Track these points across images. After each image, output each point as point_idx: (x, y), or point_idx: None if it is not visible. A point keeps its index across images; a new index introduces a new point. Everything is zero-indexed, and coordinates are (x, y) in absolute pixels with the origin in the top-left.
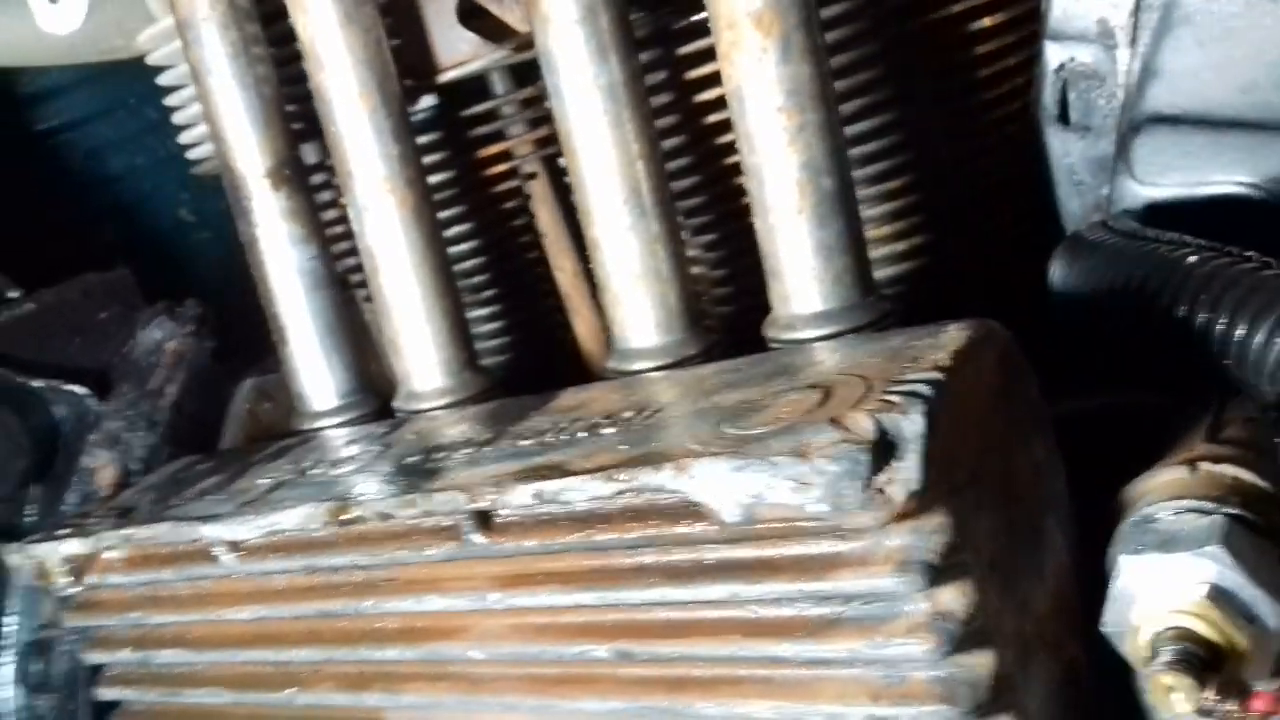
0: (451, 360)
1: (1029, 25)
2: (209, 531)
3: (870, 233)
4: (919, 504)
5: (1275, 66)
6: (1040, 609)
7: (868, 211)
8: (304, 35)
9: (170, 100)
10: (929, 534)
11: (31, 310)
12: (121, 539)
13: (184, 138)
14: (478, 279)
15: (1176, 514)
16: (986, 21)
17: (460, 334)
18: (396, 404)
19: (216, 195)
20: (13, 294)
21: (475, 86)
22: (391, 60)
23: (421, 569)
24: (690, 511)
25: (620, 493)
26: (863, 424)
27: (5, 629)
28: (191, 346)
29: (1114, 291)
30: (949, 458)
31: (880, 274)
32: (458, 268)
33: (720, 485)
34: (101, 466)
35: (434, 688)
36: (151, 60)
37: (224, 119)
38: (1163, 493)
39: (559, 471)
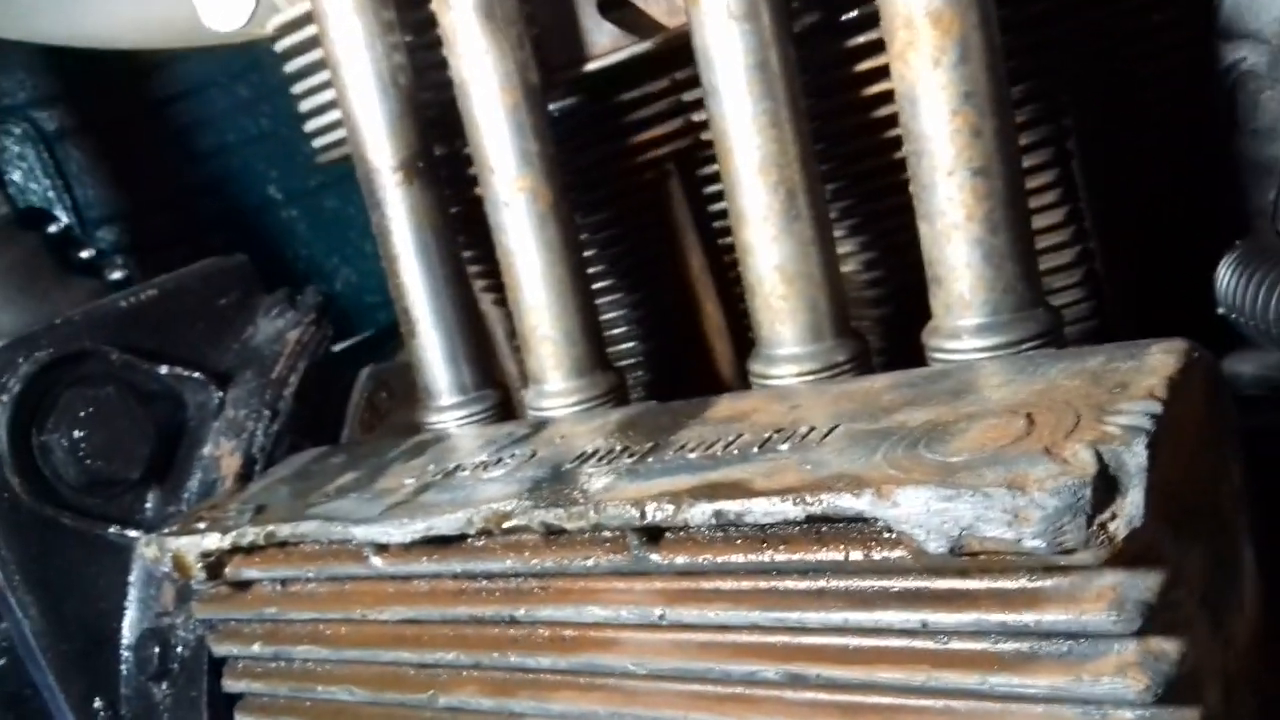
0: (584, 359)
1: (1197, 23)
2: (360, 532)
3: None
4: (1142, 540)
5: None
6: (1242, 643)
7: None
8: (446, 26)
9: (297, 88)
10: (1147, 572)
11: (154, 296)
12: (264, 535)
13: (309, 126)
14: (606, 270)
15: None
16: (1155, 17)
17: (592, 333)
18: (528, 401)
19: (304, 173)
20: (117, 275)
21: (613, 78)
22: (532, 55)
23: (580, 579)
24: (882, 538)
25: (811, 517)
26: (1082, 456)
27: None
28: (313, 335)
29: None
30: (1166, 491)
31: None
32: (588, 255)
33: (927, 514)
34: (225, 454)
35: (585, 698)
36: (279, 47)
37: (357, 110)
38: None
39: (741, 490)
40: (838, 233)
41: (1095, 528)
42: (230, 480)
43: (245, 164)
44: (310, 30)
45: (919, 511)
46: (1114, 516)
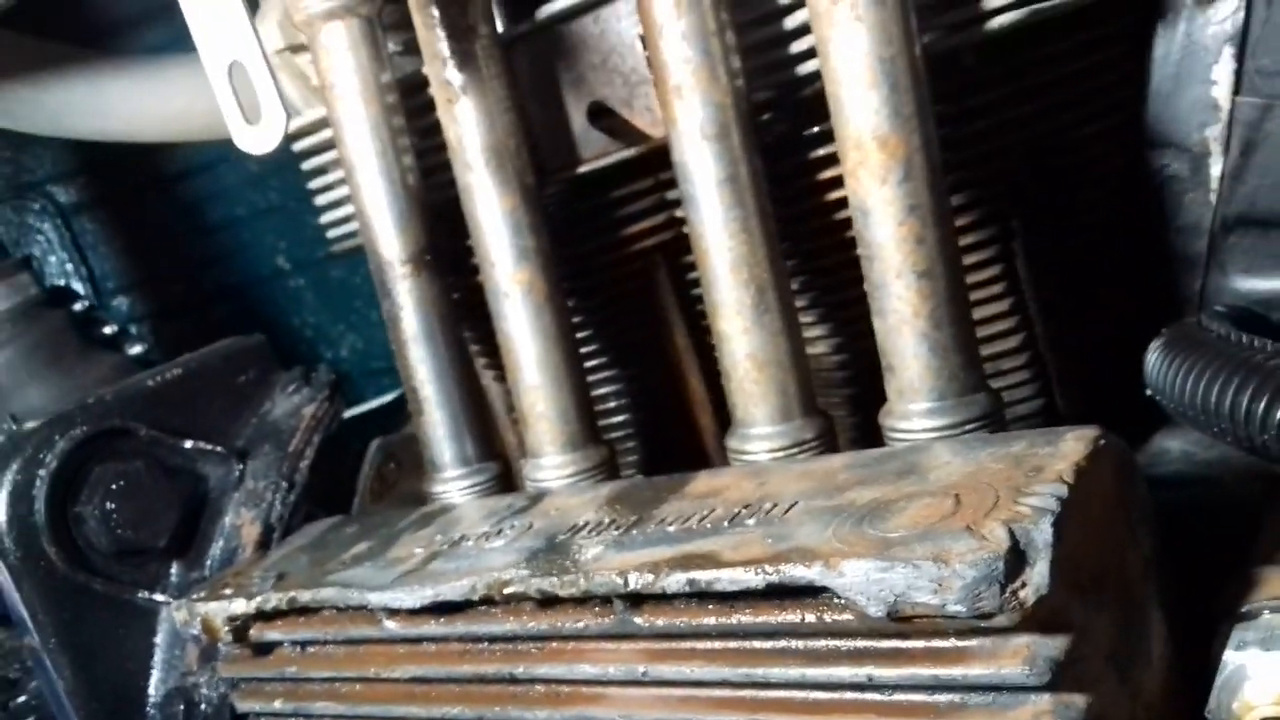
0: (577, 435)
1: (1126, 135)
2: (375, 599)
3: (984, 330)
4: (1049, 605)
5: None
6: (1151, 694)
7: (982, 311)
8: (451, 138)
9: (314, 184)
10: (1055, 632)
11: (178, 375)
12: (287, 601)
13: (325, 218)
14: (601, 350)
15: (1273, 612)
16: (1087, 130)
17: (585, 410)
18: (526, 473)
19: (310, 245)
20: (137, 349)
21: (603, 178)
22: (529, 161)
23: (572, 640)
24: (832, 603)
25: (770, 585)
26: (998, 533)
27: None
28: (326, 411)
29: (1202, 387)
30: (1073, 563)
31: (995, 366)
32: (580, 336)
33: (867, 583)
34: (246, 523)
35: None
36: (297, 147)
37: (370, 209)
38: (1264, 591)
39: (711, 561)
40: (808, 319)
41: (1008, 595)
42: (250, 548)
43: (255, 235)
44: (326, 133)
45: (861, 581)
46: (1024, 585)
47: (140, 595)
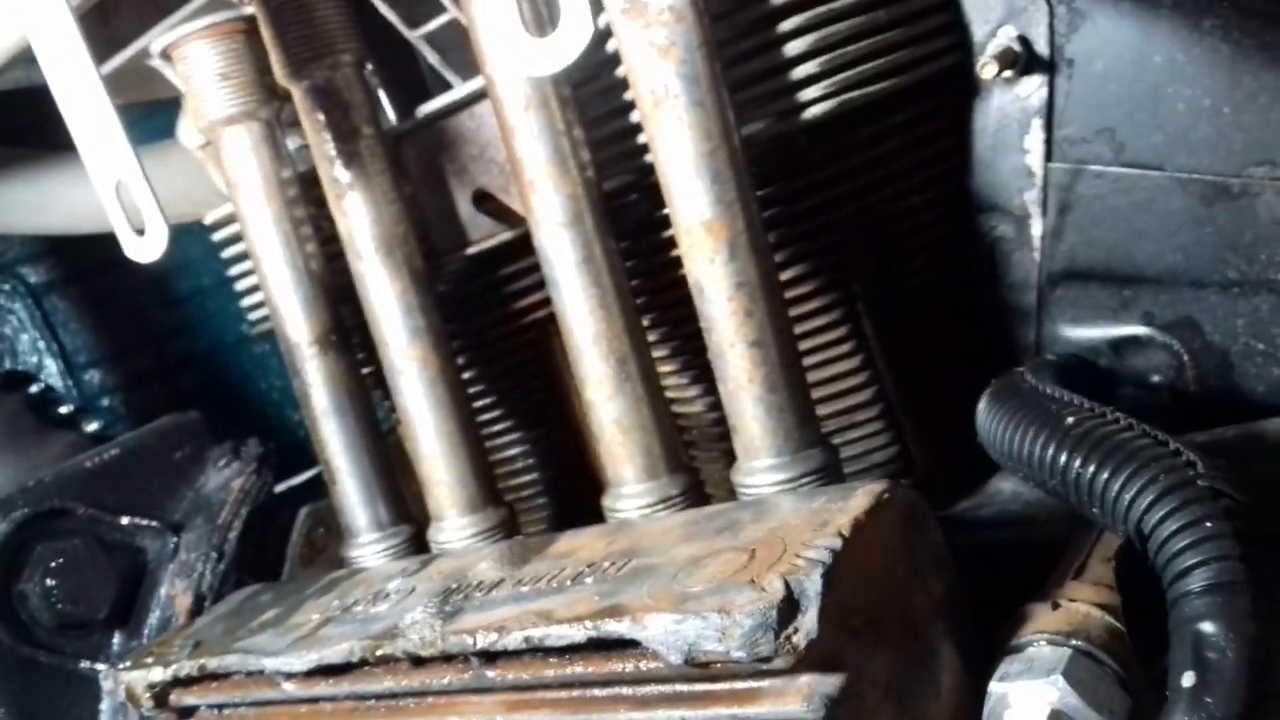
0: (475, 498)
1: (954, 202)
2: (269, 663)
3: (823, 391)
4: (822, 648)
5: (1142, 235)
6: None
7: (834, 369)
8: (342, 229)
9: (231, 271)
10: (833, 671)
11: (116, 455)
12: (197, 668)
13: (244, 302)
14: (503, 415)
15: (1036, 646)
16: (915, 199)
17: (482, 475)
18: (430, 535)
19: None
20: (93, 426)
21: (494, 256)
22: (417, 247)
23: (442, 696)
24: (647, 653)
25: (590, 639)
26: (775, 584)
27: None
28: (254, 483)
29: (1016, 438)
30: (847, 607)
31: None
32: (483, 404)
33: (666, 635)
34: (179, 594)
35: None
36: (215, 238)
37: (276, 295)
38: (1030, 626)
39: (546, 619)
40: (684, 381)
41: (782, 640)
42: (183, 617)
43: (219, 304)
44: (237, 226)
45: (661, 633)
46: (796, 631)
47: (84, 665)
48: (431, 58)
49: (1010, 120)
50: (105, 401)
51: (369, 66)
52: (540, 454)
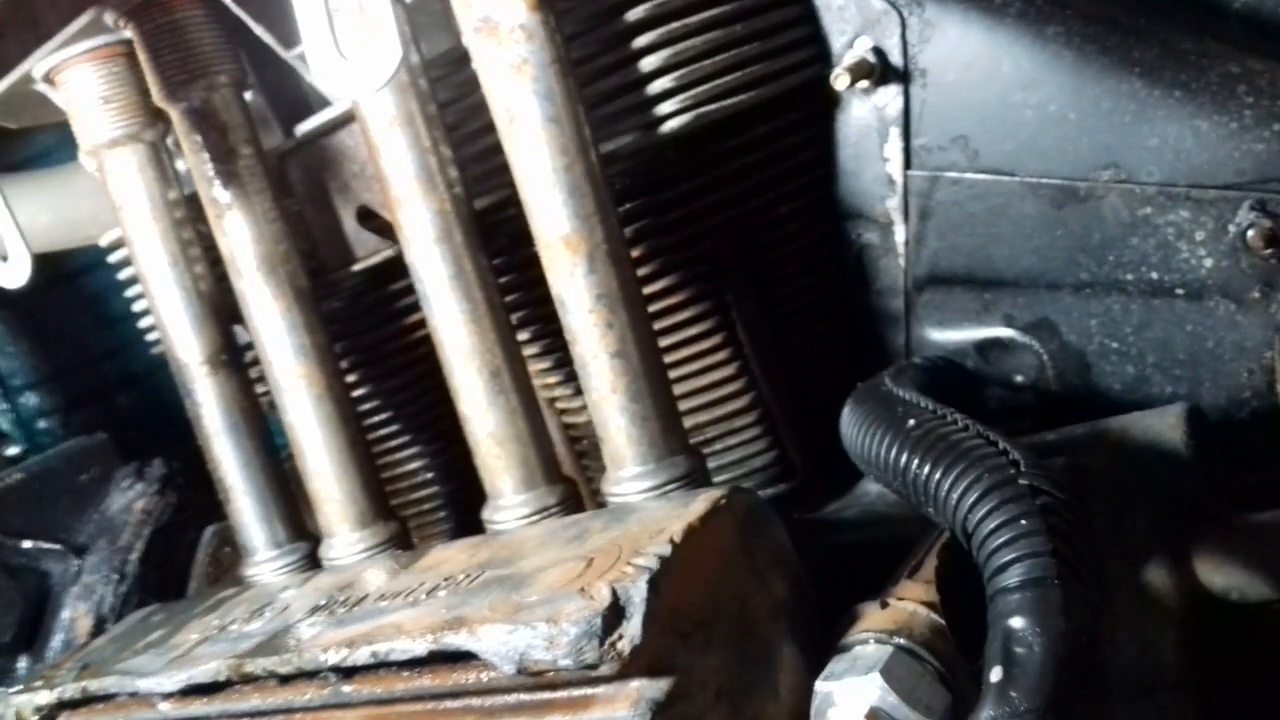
0: (364, 514)
1: (820, 211)
2: (143, 684)
3: (701, 399)
4: (649, 653)
5: (999, 239)
6: None
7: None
8: (224, 249)
9: (129, 293)
10: (660, 677)
11: (20, 479)
12: (80, 690)
13: (141, 323)
14: (402, 429)
15: (861, 644)
16: (783, 209)
17: (370, 490)
18: (321, 552)
19: None
20: (12, 450)
21: (381, 272)
22: (300, 265)
23: (305, 712)
24: (489, 663)
25: (431, 651)
26: (603, 592)
27: None
28: (156, 504)
29: (867, 442)
30: (677, 612)
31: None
32: (374, 421)
33: (499, 645)
34: (79, 616)
35: None
36: (111, 259)
37: (165, 316)
38: (859, 625)
39: (393, 633)
40: (569, 392)
41: (607, 647)
42: (84, 639)
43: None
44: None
45: (495, 644)
46: (621, 637)
47: None
48: (308, 77)
49: (870, 130)
50: (43, 424)
51: (248, 87)
52: (439, 467)
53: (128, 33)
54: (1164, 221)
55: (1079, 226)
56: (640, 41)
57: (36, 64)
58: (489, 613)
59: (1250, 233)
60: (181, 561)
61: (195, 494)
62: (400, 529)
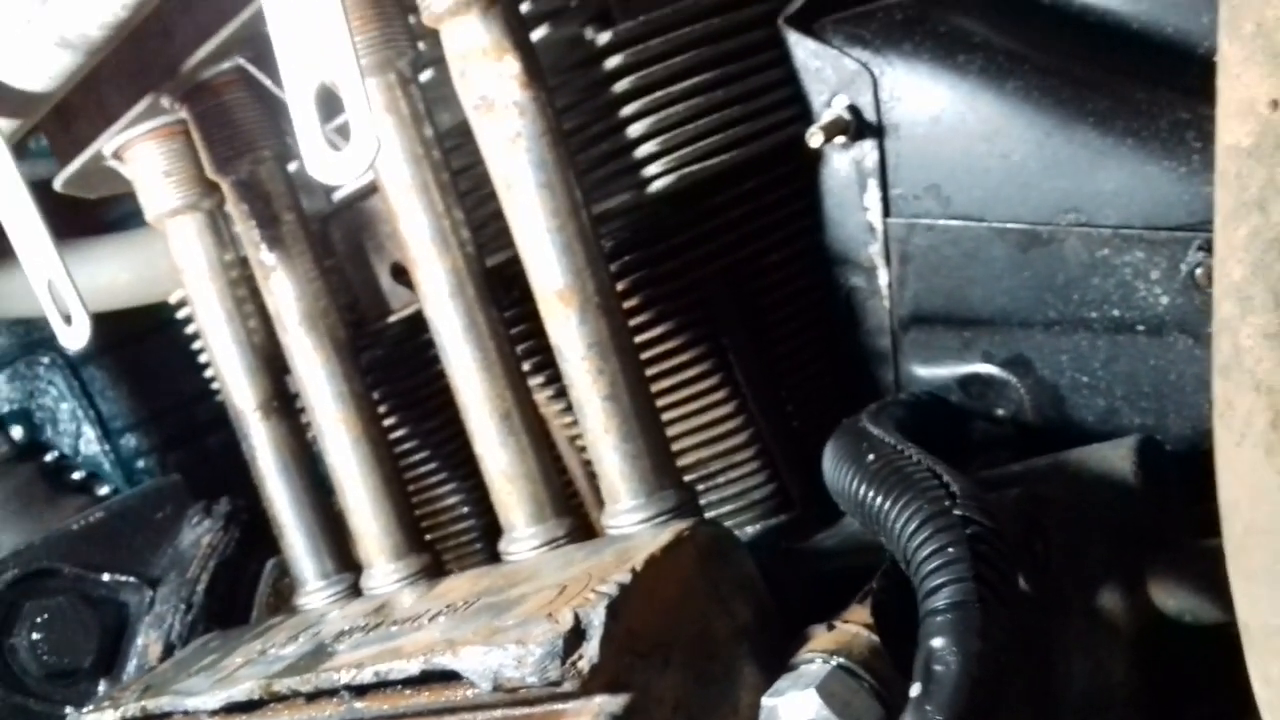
0: (398, 546)
1: (811, 257)
2: (190, 703)
3: (701, 436)
4: (607, 671)
5: (973, 281)
6: None
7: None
8: (270, 307)
9: (194, 346)
10: (619, 693)
11: (102, 517)
12: (140, 710)
13: (207, 373)
14: (436, 468)
15: (807, 663)
16: (774, 257)
17: (404, 524)
18: (361, 582)
19: None
20: (105, 489)
21: (416, 323)
22: (339, 319)
23: None
24: (470, 682)
25: (423, 670)
26: (566, 616)
27: None
28: (221, 539)
29: (838, 476)
30: (635, 634)
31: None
32: (415, 460)
33: (477, 665)
34: (150, 643)
35: None
36: (180, 315)
37: (223, 366)
38: (808, 646)
39: (394, 655)
40: (577, 432)
41: (568, 666)
42: (154, 664)
43: None
44: None
45: (474, 663)
46: (581, 657)
47: (69, 712)
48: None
49: (851, 181)
50: (141, 463)
51: (292, 158)
52: (474, 502)
53: (183, 114)
54: (1121, 262)
55: (1044, 268)
56: (627, 110)
57: (106, 143)
58: (472, 635)
59: (1198, 271)
60: (246, 592)
61: (261, 529)
62: (433, 560)
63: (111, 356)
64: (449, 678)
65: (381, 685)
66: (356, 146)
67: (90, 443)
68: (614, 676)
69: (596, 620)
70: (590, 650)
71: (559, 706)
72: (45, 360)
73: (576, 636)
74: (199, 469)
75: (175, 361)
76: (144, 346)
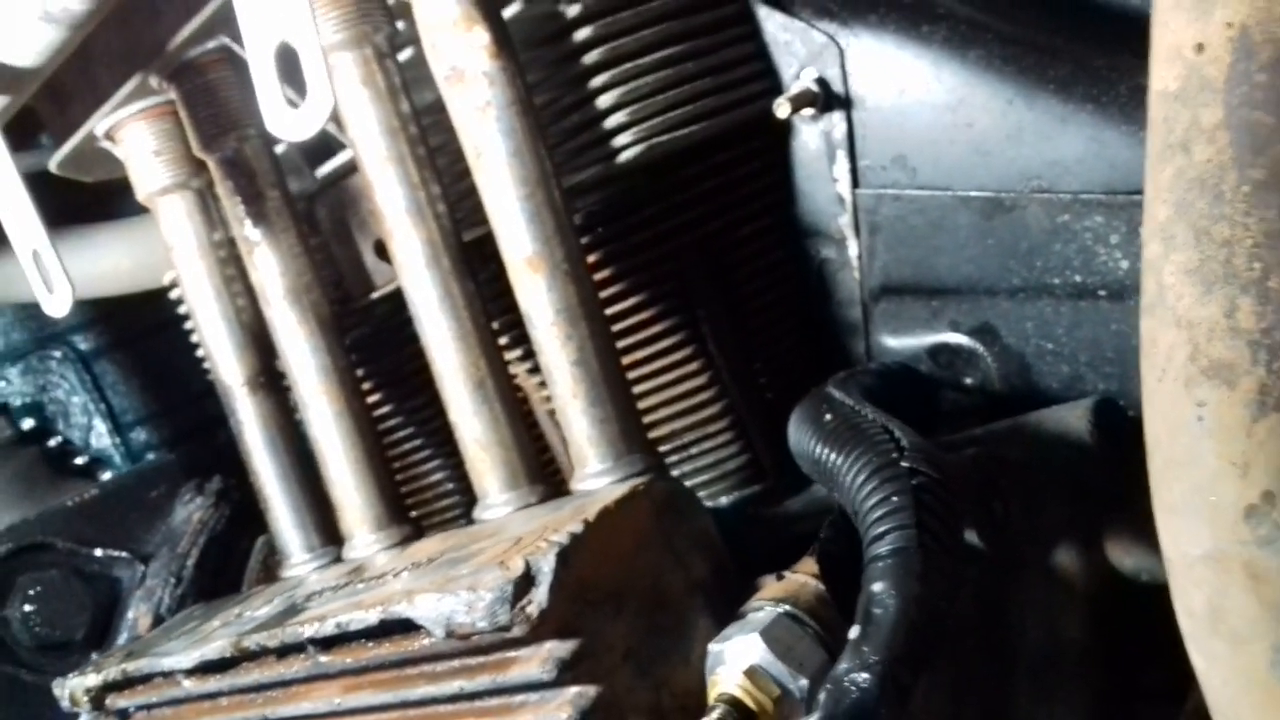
0: (380, 517)
1: (783, 228)
2: (167, 663)
3: (676, 407)
4: (557, 617)
5: (939, 250)
6: (681, 687)
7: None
8: (254, 282)
9: (185, 326)
10: (568, 639)
11: (96, 495)
12: (120, 673)
13: (199, 353)
14: (422, 442)
15: (755, 611)
16: (745, 229)
17: (385, 496)
18: (344, 553)
19: None
20: (107, 474)
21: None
22: (322, 295)
23: (296, 684)
24: (429, 632)
25: (381, 620)
26: (517, 563)
27: None
28: (212, 515)
29: (799, 438)
30: (586, 582)
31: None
32: (400, 436)
33: (431, 612)
34: (141, 616)
35: None
36: (172, 295)
37: (211, 343)
38: (759, 595)
39: (355, 607)
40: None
41: (517, 610)
42: (144, 635)
43: None
44: None
45: (428, 610)
46: (530, 603)
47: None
48: (330, 127)
49: (820, 153)
50: (151, 457)
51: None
52: (458, 478)
53: (171, 93)
54: (1081, 227)
55: (1008, 235)
56: (597, 81)
57: (98, 123)
58: (428, 585)
59: None
60: (235, 567)
61: (253, 508)
62: (415, 531)
63: (123, 351)
64: (408, 628)
65: (344, 638)
66: (312, 103)
67: (101, 436)
68: (564, 623)
69: (546, 567)
70: (539, 595)
71: (511, 654)
72: (58, 354)
73: (526, 582)
74: (208, 463)
75: (186, 356)
76: (155, 341)
